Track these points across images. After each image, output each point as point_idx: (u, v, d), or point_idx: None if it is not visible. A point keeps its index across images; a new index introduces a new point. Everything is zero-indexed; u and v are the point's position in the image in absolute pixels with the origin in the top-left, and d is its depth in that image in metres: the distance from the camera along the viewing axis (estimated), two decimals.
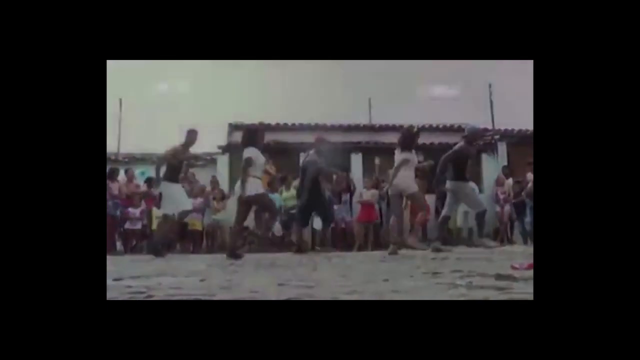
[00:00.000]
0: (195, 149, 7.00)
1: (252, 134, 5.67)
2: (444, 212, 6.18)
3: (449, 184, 6.04)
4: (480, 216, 6.16)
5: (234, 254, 5.11)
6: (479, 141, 6.30)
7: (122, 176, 9.77)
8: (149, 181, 9.93)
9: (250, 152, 5.39)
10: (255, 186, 5.39)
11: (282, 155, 10.30)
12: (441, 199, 9.20)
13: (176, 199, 6.41)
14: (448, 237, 6.55)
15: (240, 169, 5.51)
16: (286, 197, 9.33)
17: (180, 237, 9.75)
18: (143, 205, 9.50)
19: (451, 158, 5.96)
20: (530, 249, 5.70)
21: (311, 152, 6.68)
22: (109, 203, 8.57)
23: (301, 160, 9.87)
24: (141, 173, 10.27)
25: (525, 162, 10.29)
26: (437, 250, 5.58)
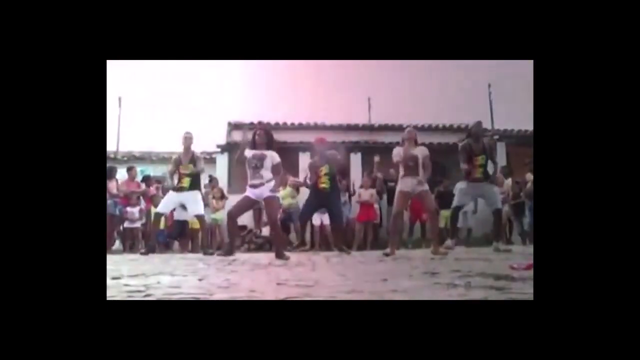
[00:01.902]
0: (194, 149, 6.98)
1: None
2: (455, 202, 5.96)
3: (465, 182, 5.91)
4: (498, 215, 6.08)
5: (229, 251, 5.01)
6: (482, 137, 6.12)
7: (123, 175, 9.77)
8: (146, 180, 9.94)
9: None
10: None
11: (281, 154, 10.30)
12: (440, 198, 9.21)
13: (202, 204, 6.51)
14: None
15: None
16: (284, 195, 9.33)
17: (179, 236, 9.78)
18: (142, 204, 9.50)
19: (466, 152, 5.85)
20: (528, 249, 5.70)
21: (328, 152, 6.59)
22: (108, 202, 8.58)
23: (301, 160, 9.87)
24: (140, 172, 10.28)
25: (524, 162, 10.29)
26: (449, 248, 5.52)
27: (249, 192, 5.06)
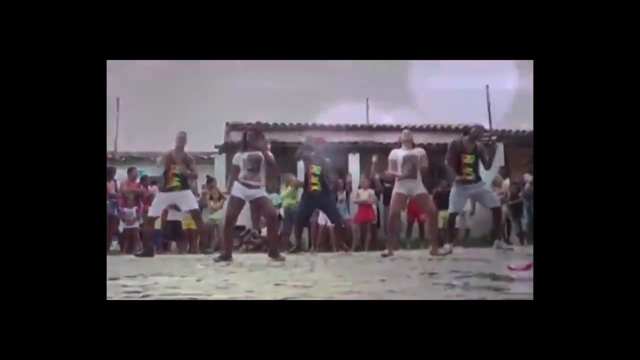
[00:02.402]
0: (192, 150, 6.94)
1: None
2: (450, 209, 5.94)
3: (458, 184, 5.86)
4: (497, 213, 6.05)
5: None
6: (479, 139, 6.08)
7: (122, 175, 9.76)
8: (143, 180, 9.92)
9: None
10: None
11: (280, 155, 10.28)
12: (439, 197, 9.20)
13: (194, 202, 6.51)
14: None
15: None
16: (285, 195, 9.30)
17: (175, 237, 9.77)
18: (141, 204, 9.49)
19: (457, 152, 5.80)
20: (526, 250, 5.70)
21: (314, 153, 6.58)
22: (107, 202, 8.56)
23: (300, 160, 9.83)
24: (139, 172, 10.26)
25: (521, 163, 10.30)
26: (450, 252, 5.47)
27: (236, 191, 4.98)
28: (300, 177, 8.97)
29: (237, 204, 5.02)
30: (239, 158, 5.04)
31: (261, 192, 4.99)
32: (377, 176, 9.73)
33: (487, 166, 6.02)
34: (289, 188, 9.23)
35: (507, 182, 10.37)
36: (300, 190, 6.98)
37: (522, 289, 1.71)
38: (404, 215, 9.82)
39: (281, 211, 9.26)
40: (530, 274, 2.14)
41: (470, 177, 5.73)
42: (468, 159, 5.75)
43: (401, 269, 3.18)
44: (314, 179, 6.31)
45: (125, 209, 9.30)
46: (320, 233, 9.13)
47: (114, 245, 9.58)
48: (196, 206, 6.62)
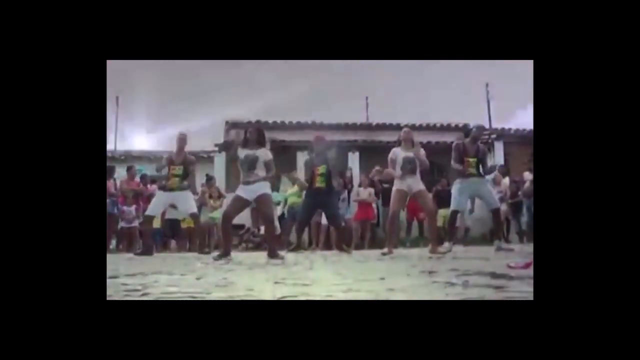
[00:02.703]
0: (192, 149, 6.94)
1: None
2: (452, 206, 5.95)
3: (460, 179, 5.87)
4: (496, 214, 6.09)
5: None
6: (480, 139, 6.14)
7: (121, 174, 9.76)
8: (142, 178, 9.93)
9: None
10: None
11: (280, 153, 10.29)
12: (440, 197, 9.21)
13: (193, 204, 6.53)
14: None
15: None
16: (291, 193, 9.26)
17: (174, 236, 9.77)
18: (140, 203, 9.49)
19: (461, 152, 5.83)
20: (526, 248, 5.71)
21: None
22: (107, 201, 8.56)
23: (298, 159, 9.84)
24: (138, 170, 10.26)
25: (522, 161, 10.30)
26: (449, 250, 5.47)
27: (241, 191, 4.98)
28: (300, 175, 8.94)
29: (240, 204, 5.00)
30: (239, 153, 5.06)
31: (264, 188, 4.96)
32: (376, 178, 9.76)
33: (486, 172, 6.09)
34: (295, 187, 9.21)
35: (506, 180, 10.37)
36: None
37: (522, 287, 1.72)
38: (403, 213, 9.83)
39: (284, 209, 9.24)
40: (529, 272, 2.15)
41: (472, 172, 5.80)
42: (470, 162, 5.80)
43: (401, 268, 3.18)
44: (319, 178, 6.28)
45: (125, 208, 9.30)
46: (322, 233, 9.12)
47: (113, 243, 9.59)
48: (195, 210, 6.63)
